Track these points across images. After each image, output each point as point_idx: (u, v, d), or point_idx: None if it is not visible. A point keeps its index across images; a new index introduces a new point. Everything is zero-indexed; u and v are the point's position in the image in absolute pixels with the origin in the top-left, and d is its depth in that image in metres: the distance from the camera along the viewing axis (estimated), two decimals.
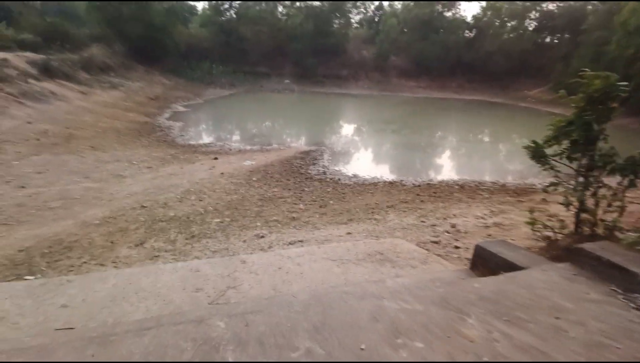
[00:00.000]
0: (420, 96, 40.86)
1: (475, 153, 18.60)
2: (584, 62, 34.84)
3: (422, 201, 10.18)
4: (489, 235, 7.41)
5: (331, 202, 9.98)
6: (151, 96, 25.81)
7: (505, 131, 24.85)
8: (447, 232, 7.67)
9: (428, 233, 7.58)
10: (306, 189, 11.03)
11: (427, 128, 24.19)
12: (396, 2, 53.22)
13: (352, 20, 53.07)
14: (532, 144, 5.36)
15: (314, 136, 18.99)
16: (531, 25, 49.82)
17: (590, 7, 43.23)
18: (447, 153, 18.12)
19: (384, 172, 13.72)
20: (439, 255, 6.00)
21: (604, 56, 31.30)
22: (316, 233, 7.76)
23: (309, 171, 12.95)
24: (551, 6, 48.37)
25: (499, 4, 47.64)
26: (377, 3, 53.77)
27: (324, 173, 12.94)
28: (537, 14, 49.23)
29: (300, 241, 7.16)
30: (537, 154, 5.30)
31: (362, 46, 50.08)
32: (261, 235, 7.58)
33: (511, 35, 49.17)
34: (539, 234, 5.16)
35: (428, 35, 46.76)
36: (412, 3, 48.48)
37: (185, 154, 14.26)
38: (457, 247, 6.62)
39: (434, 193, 11.07)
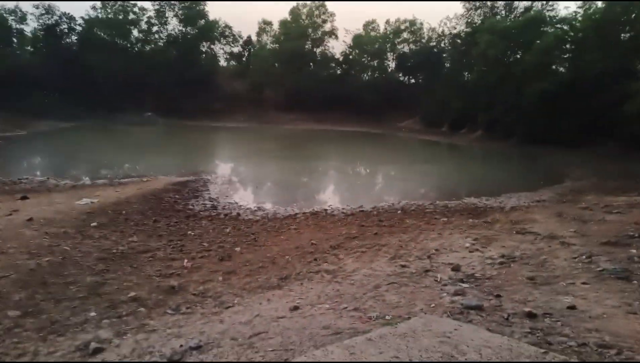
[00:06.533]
0: (301, 127, 38.96)
1: (385, 177, 16.44)
2: (445, 93, 37.66)
3: (375, 233, 6.83)
4: (532, 280, 4.35)
5: (237, 249, 5.92)
6: None
7: (398, 156, 23.84)
8: (463, 281, 4.42)
9: (437, 288, 4.20)
10: (190, 232, 6.74)
11: (322, 156, 21.66)
12: (265, 37, 51.50)
13: (222, 51, 49.49)
14: None
15: (191, 166, 14.44)
16: (392, 65, 53.61)
17: (436, 49, 48.44)
18: (357, 178, 15.53)
19: (295, 201, 10.12)
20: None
21: (463, 86, 33.85)
22: (227, 317, 3.69)
23: (191, 207, 8.62)
24: (405, 49, 52.89)
25: (363, 40, 50.07)
26: (245, 38, 51.57)
27: (214, 207, 8.76)
28: (394, 55, 53.21)
29: (197, 347, 3.04)
30: None
31: (234, 80, 46.88)
32: (95, 345, 3.18)
33: (376, 74, 51.99)
34: None
35: (301, 69, 46.12)
36: (282, 37, 47.66)
37: None
38: (531, 315, 3.29)
39: (380, 221, 7.87)
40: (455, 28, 43.87)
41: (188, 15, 40.96)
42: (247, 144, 25.80)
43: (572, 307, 3.47)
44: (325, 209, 9.09)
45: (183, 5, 40.46)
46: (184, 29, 41.71)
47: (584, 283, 4.17)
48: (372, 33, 52.21)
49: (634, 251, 5.14)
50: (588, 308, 3.45)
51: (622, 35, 23.13)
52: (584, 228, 6.84)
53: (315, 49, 49.85)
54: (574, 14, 27.34)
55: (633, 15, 21.45)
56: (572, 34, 26.28)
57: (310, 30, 48.64)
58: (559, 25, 28.05)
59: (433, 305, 3.70)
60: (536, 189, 12.80)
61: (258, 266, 5.17)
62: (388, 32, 52.17)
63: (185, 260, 5.27)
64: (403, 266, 5.06)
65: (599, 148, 21.71)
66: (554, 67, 26.80)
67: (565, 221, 7.52)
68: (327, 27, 49.52)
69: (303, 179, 14.01)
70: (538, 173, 17.98)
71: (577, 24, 25.95)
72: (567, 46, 26.88)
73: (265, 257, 5.51)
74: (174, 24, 41.80)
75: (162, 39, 40.88)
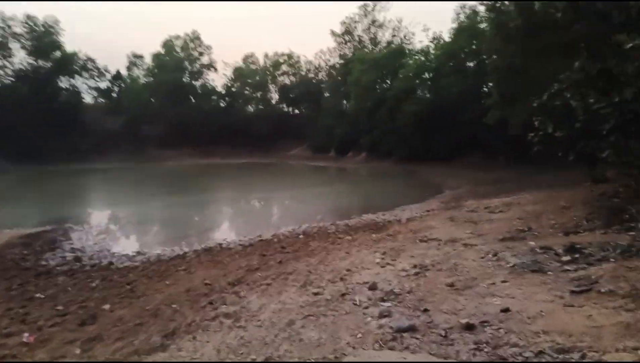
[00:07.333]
0: (187, 163, 36.49)
1: (280, 204, 15.87)
2: (328, 121, 39.35)
3: (279, 262, 6.13)
4: (452, 286, 4.10)
5: (106, 307, 4.64)
6: None
7: (291, 183, 23.62)
8: (384, 300, 3.97)
9: (359, 313, 3.66)
10: (39, 295, 5.17)
11: (211, 190, 20.30)
12: (137, 71, 47.83)
13: (86, 86, 44.04)
14: None
15: (47, 216, 11.90)
16: (275, 97, 54.44)
17: (314, 80, 50.94)
18: (252, 209, 14.70)
19: (184, 239, 8.87)
20: None
21: (344, 113, 35.70)
22: None
23: (44, 262, 6.86)
24: (286, 80, 54.40)
25: (244, 73, 50.29)
26: (114, 72, 47.14)
27: (77, 259, 7.09)
28: (276, 87, 54.22)
29: None
30: None
31: (104, 117, 42.20)
32: None
33: (260, 105, 52.33)
34: None
35: (181, 102, 43.92)
36: (156, 70, 44.89)
37: None
38: (469, 327, 2.92)
39: (283, 248, 7.20)
40: (330, 60, 47.14)
41: (38, 47, 35.77)
42: (122, 186, 22.96)
43: (506, 310, 3.21)
44: (220, 244, 8.09)
45: (31, 35, 35.29)
46: (35, 62, 36.35)
47: (503, 282, 4.04)
48: (252, 66, 52.69)
49: (532, 243, 5.34)
50: (522, 308, 3.23)
51: (468, 63, 27.21)
52: (477, 229, 7.12)
53: (194, 82, 48.13)
54: (427, 47, 32.17)
55: (473, 46, 25.36)
56: (428, 64, 30.11)
57: (187, 63, 46.99)
58: (417, 56, 32.16)
59: (360, 334, 3.11)
60: (423, 200, 13.55)
61: (134, 323, 4.02)
62: (268, 65, 53.20)
63: (26, 334, 3.85)
64: (316, 293, 4.42)
65: (465, 160, 24.62)
66: (419, 92, 29.98)
67: (459, 225, 7.79)
68: (205, 59, 48.46)
69: (191, 215, 12.65)
70: (420, 186, 19.32)
71: (432, 56, 30.20)
72: (427, 74, 30.57)
73: (145, 310, 4.36)
74: (21, 57, 36.14)
75: (9, 74, 34.95)
